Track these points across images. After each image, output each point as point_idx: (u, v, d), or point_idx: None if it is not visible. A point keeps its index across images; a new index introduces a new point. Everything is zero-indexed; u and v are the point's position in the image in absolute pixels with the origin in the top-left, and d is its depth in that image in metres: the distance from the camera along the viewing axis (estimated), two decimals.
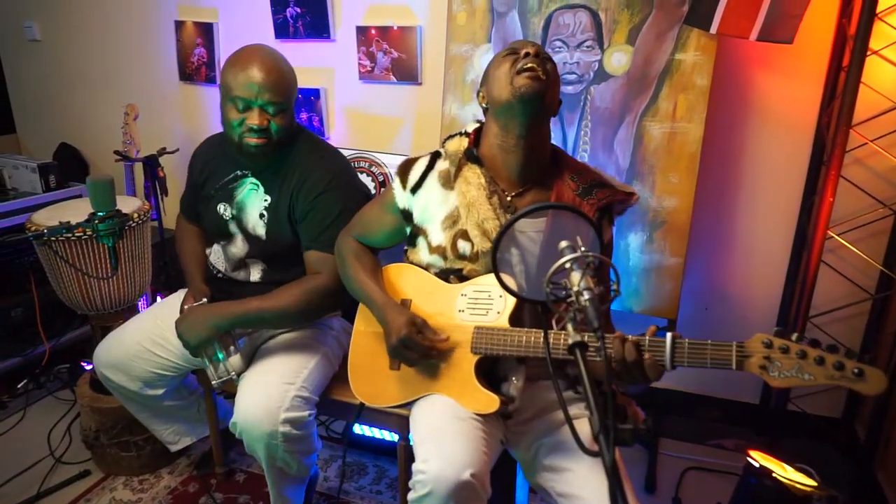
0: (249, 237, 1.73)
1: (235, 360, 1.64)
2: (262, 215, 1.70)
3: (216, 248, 1.81)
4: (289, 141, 1.67)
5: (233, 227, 1.74)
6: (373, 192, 2.28)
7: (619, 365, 1.12)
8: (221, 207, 1.75)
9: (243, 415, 1.52)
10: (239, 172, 1.73)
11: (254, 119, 1.57)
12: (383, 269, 1.56)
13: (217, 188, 1.76)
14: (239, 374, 1.64)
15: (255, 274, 1.75)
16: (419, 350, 1.35)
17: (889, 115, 1.87)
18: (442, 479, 1.17)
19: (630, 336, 1.14)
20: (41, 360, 2.54)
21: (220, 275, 1.80)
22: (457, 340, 1.38)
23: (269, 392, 1.53)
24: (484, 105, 1.43)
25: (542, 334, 1.26)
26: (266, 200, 1.69)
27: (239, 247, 1.75)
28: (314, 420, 1.62)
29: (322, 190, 1.63)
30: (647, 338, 1.14)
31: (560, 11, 1.94)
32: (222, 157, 1.76)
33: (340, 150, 1.82)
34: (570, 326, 0.84)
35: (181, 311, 1.70)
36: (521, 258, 1.38)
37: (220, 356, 1.63)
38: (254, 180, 1.72)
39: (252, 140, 1.58)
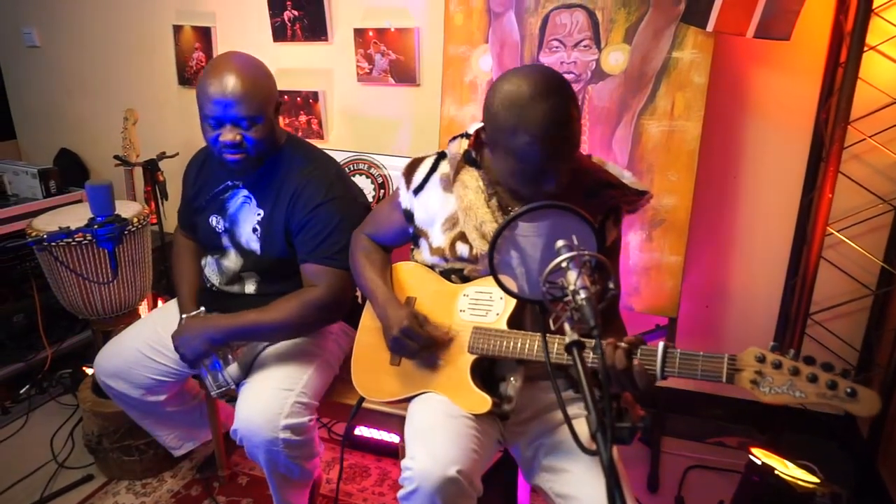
0: (243, 251, 1.70)
1: (233, 368, 1.64)
2: (254, 229, 1.67)
3: (210, 259, 1.78)
4: (273, 151, 1.63)
5: (225, 241, 1.72)
6: (372, 194, 2.28)
7: (611, 370, 1.11)
8: (214, 220, 1.73)
9: (244, 423, 1.52)
10: (230, 183, 1.71)
11: (227, 135, 1.52)
12: (392, 268, 1.57)
13: (209, 199, 1.73)
14: (237, 384, 1.64)
15: (250, 286, 1.73)
16: (420, 340, 1.36)
17: (887, 111, 1.87)
18: (428, 476, 1.18)
19: (622, 342, 1.12)
20: (43, 365, 2.55)
21: (213, 288, 1.78)
22: (456, 340, 1.38)
23: (269, 399, 1.53)
24: (484, 139, 1.35)
25: (538, 338, 1.26)
26: (259, 214, 1.67)
27: (233, 260, 1.72)
28: (315, 425, 1.62)
29: (319, 202, 1.59)
30: (639, 346, 1.12)
31: (557, 11, 1.94)
32: (213, 167, 1.74)
33: (340, 152, 1.81)
34: (567, 326, 0.84)
35: (180, 321, 1.69)
36: (521, 260, 1.38)
37: (218, 366, 1.63)
38: (246, 192, 1.69)
39: (230, 156, 1.55)
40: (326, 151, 1.80)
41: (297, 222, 1.61)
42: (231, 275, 1.74)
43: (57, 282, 2.06)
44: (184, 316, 1.69)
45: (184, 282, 1.81)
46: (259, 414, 1.51)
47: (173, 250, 1.92)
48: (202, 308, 1.70)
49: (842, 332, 2.06)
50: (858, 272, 2.03)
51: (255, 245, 1.68)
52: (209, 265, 1.78)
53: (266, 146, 1.59)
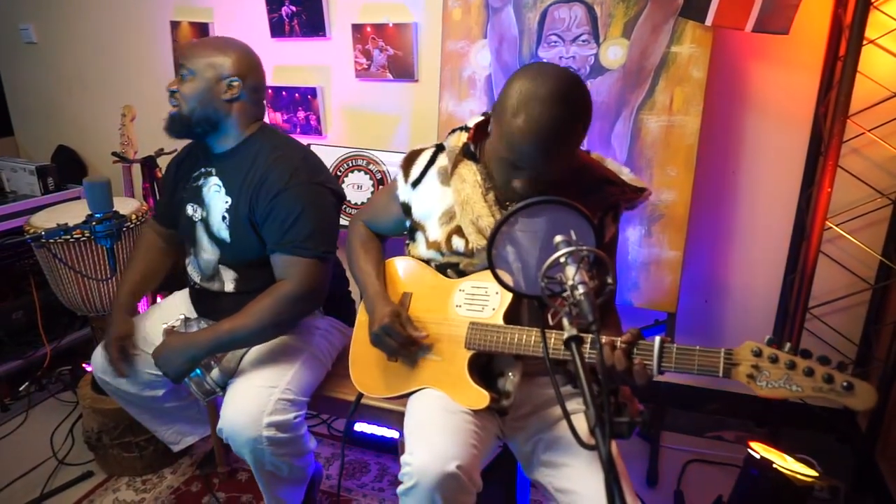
0: (216, 240, 1.67)
1: (216, 373, 1.62)
2: (223, 217, 1.64)
3: (191, 257, 1.75)
4: (214, 125, 1.61)
5: (200, 231, 1.69)
6: (371, 190, 2.28)
7: (610, 370, 1.11)
8: (190, 209, 1.70)
9: (228, 422, 1.52)
10: (203, 169, 1.69)
11: (171, 81, 1.62)
12: (387, 262, 1.57)
13: (186, 188, 1.72)
14: (222, 387, 1.62)
15: (229, 285, 1.70)
16: (398, 339, 1.37)
17: (886, 105, 1.87)
18: (427, 471, 1.18)
19: (621, 341, 1.12)
20: (43, 362, 2.55)
21: (196, 286, 1.76)
22: (452, 335, 1.38)
23: (253, 397, 1.52)
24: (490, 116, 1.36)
25: (535, 333, 1.27)
26: (227, 202, 1.63)
27: (208, 251, 1.69)
28: (303, 421, 1.61)
29: (280, 189, 1.54)
30: (637, 344, 1.12)
31: (555, 6, 1.94)
32: (192, 157, 1.76)
33: (338, 148, 1.78)
34: (565, 320, 0.84)
35: (163, 333, 1.66)
36: (518, 255, 1.38)
37: (200, 373, 1.61)
38: (217, 180, 1.66)
39: (170, 107, 1.62)
40: (325, 146, 1.79)
41: (261, 211, 1.57)
42: (210, 269, 1.71)
43: (56, 279, 2.06)
44: (164, 327, 1.65)
45: (128, 276, 1.81)
46: (243, 413, 1.50)
47: (136, 241, 1.90)
48: (182, 315, 1.69)
49: (840, 326, 2.07)
50: (857, 266, 2.03)
51: (224, 233, 1.64)
52: (191, 263, 1.76)
53: (198, 111, 1.58)
